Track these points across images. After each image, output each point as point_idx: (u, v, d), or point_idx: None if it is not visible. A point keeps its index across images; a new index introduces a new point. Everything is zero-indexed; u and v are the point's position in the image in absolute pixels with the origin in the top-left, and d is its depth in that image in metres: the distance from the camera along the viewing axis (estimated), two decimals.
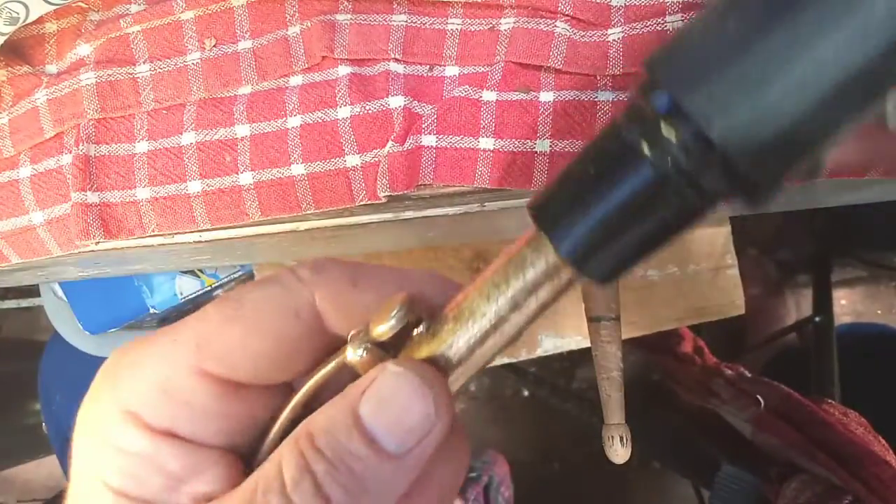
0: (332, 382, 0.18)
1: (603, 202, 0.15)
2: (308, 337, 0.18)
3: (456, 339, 0.18)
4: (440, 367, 0.18)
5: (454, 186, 0.33)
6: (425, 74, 0.34)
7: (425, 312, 0.18)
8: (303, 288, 0.18)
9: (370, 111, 0.32)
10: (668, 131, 0.14)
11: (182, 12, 0.35)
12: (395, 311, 0.17)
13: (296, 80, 0.34)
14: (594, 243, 0.15)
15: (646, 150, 0.14)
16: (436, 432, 0.17)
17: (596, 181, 0.15)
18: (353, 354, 0.18)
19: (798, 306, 0.98)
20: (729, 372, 0.60)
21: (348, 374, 0.18)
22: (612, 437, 0.33)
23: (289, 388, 0.19)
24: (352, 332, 0.18)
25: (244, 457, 0.19)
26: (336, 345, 0.19)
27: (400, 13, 0.34)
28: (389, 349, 0.18)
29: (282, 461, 0.16)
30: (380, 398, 0.16)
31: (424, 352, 0.18)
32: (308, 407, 0.18)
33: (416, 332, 0.18)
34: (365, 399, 0.16)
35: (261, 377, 0.18)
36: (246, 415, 0.18)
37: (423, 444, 0.17)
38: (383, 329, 0.17)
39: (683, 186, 0.14)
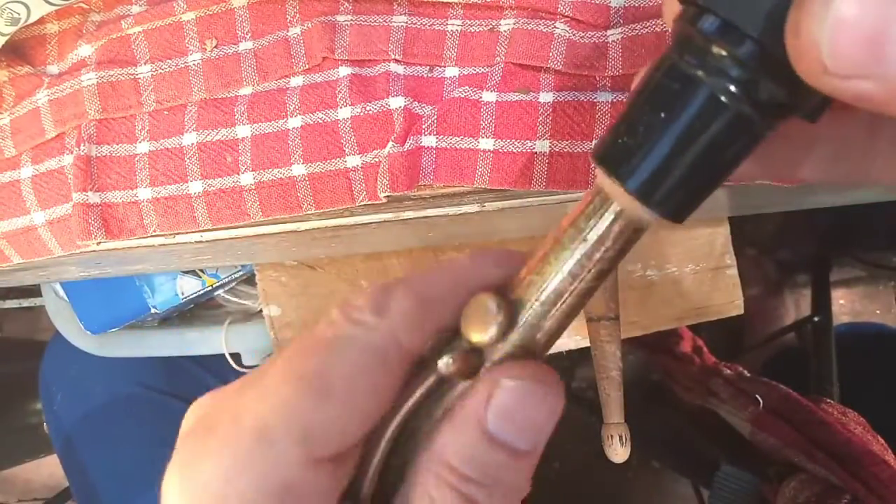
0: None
1: (666, 135, 0.15)
2: (398, 371, 0.18)
3: (540, 320, 0.17)
4: (536, 350, 0.17)
5: (454, 186, 0.33)
6: (425, 75, 0.34)
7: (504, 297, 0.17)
8: (374, 335, 0.17)
9: (370, 112, 0.33)
10: (720, 51, 0.14)
11: (183, 13, 0.35)
12: (493, 315, 0.17)
13: (296, 81, 0.34)
14: (663, 178, 0.15)
15: (702, 75, 0.14)
16: (557, 416, 0.17)
17: (655, 115, 0.15)
18: (446, 367, 0.17)
19: (797, 306, 0.98)
20: (728, 371, 0.60)
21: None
22: (612, 436, 0.33)
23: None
24: (429, 344, 0.18)
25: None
26: (410, 358, 0.18)
27: (400, 14, 0.34)
28: (477, 350, 0.18)
29: (434, 501, 0.16)
30: (505, 412, 0.17)
31: (516, 341, 0.17)
32: (403, 428, 0.18)
33: (505, 319, 0.17)
34: (492, 417, 0.17)
35: (368, 427, 0.18)
36: (352, 467, 0.18)
37: (548, 430, 0.17)
38: (488, 338, 0.17)
39: (744, 103, 0.14)
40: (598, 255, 0.16)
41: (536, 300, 0.17)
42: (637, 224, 0.16)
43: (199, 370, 0.57)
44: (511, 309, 0.17)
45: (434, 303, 0.18)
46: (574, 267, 0.16)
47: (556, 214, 0.37)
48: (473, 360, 0.17)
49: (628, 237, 0.16)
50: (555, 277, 0.17)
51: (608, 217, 0.16)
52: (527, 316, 0.17)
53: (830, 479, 0.47)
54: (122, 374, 0.55)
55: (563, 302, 0.17)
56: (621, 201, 0.16)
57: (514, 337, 0.17)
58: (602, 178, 0.16)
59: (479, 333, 0.17)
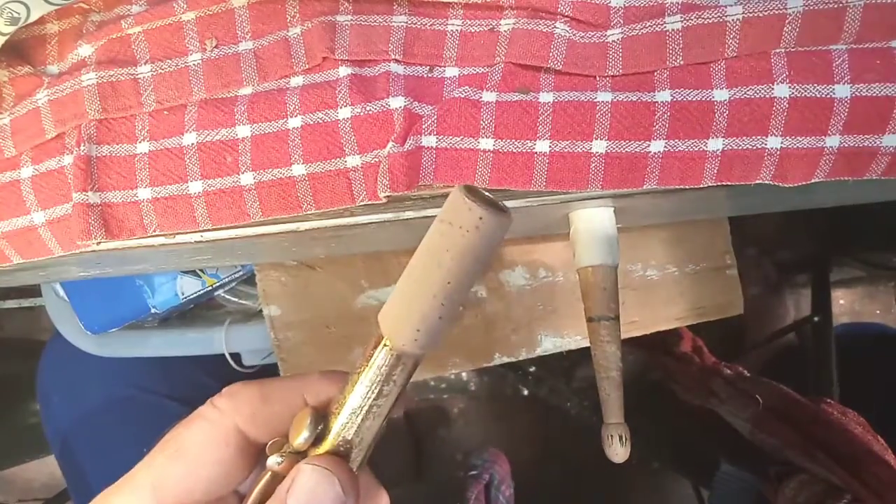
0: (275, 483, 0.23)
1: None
2: (240, 454, 0.24)
3: (344, 430, 0.23)
4: (342, 453, 0.23)
5: (454, 186, 0.33)
6: (425, 75, 0.34)
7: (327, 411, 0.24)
8: (224, 417, 0.24)
9: (371, 112, 0.33)
10: None
11: (183, 13, 0.35)
12: (306, 425, 0.23)
13: (297, 81, 0.34)
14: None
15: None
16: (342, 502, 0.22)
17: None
18: (275, 464, 0.23)
19: (797, 306, 0.98)
20: (728, 371, 0.60)
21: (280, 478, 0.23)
22: (612, 436, 0.33)
23: (238, 495, 0.25)
24: (269, 443, 0.24)
25: None
26: (255, 446, 0.25)
27: (400, 14, 0.34)
28: (301, 453, 0.23)
29: None
30: (301, 494, 0.22)
31: (327, 445, 0.23)
32: None
33: (318, 428, 0.23)
34: (290, 498, 0.22)
35: (212, 495, 0.24)
36: None
37: None
38: (300, 441, 0.23)
39: None
40: (378, 381, 0.23)
41: (341, 415, 0.23)
42: (400, 355, 0.22)
43: (196, 371, 0.57)
44: (322, 421, 0.23)
45: (273, 402, 0.24)
46: (363, 390, 0.23)
47: (556, 215, 0.37)
48: (297, 461, 0.23)
49: (399, 367, 0.23)
50: (352, 399, 0.23)
51: (383, 353, 0.22)
52: (335, 427, 0.23)
53: (830, 479, 0.47)
54: (119, 376, 0.55)
55: (360, 417, 0.23)
56: (389, 340, 0.22)
57: (326, 443, 0.23)
58: (382, 326, 0.22)
59: (297, 439, 0.23)
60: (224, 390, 0.25)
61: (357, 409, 0.23)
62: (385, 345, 0.22)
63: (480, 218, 0.20)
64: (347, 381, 0.23)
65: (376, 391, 0.23)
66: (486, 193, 0.21)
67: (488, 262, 0.22)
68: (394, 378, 0.23)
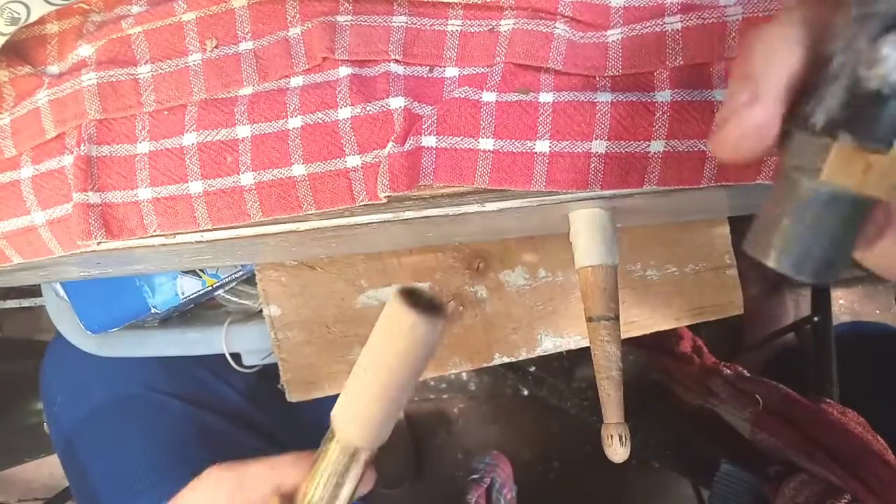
0: None
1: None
2: None
3: None
4: None
5: (454, 186, 0.33)
6: (425, 75, 0.34)
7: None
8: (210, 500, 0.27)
9: (371, 112, 0.33)
10: None
11: (183, 13, 0.35)
12: None
13: (297, 81, 0.34)
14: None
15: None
16: None
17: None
18: None
19: (797, 306, 0.98)
20: (728, 371, 0.60)
21: None
22: (612, 436, 0.33)
23: None
24: None
25: None
26: None
27: (400, 14, 0.34)
28: None
29: None
30: None
31: None
32: None
33: None
34: None
35: None
36: None
37: None
38: None
39: None
40: (335, 473, 0.26)
41: (303, 501, 0.26)
42: (351, 451, 0.25)
43: (200, 370, 0.57)
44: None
45: (247, 489, 0.27)
46: (323, 481, 0.26)
47: (556, 215, 0.37)
48: None
49: (353, 461, 0.26)
50: (313, 491, 0.26)
51: (337, 450, 0.26)
52: None
53: (830, 479, 0.47)
54: (123, 375, 0.55)
55: (321, 501, 0.26)
56: (339, 437, 0.25)
57: None
58: (333, 424, 0.26)
59: None
60: (203, 474, 0.28)
61: (319, 500, 0.26)
62: (338, 441, 0.26)
63: (414, 324, 0.22)
64: (311, 471, 0.26)
65: (334, 482, 0.26)
66: (426, 292, 0.23)
67: (428, 360, 0.24)
68: (350, 470, 0.26)
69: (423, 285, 0.24)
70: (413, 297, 0.22)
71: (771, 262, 0.15)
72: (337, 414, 0.25)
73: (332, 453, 0.26)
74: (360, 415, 0.24)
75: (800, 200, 0.14)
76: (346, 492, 0.26)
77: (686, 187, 0.32)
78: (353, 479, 0.26)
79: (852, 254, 0.15)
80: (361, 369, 0.24)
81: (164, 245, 0.36)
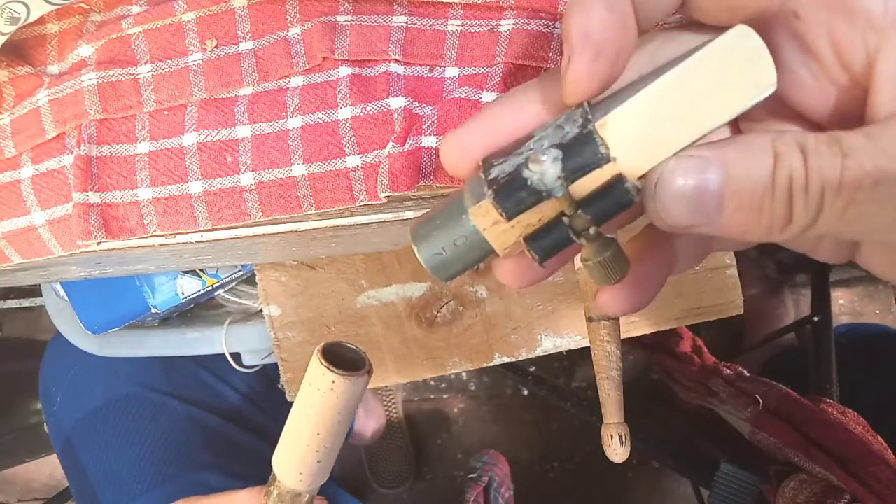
0: None
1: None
2: None
3: None
4: None
5: (454, 187, 0.33)
6: (425, 75, 0.34)
7: None
8: None
9: (371, 112, 0.33)
10: None
11: (183, 13, 0.35)
12: None
13: (297, 81, 0.34)
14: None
15: None
16: None
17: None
18: None
19: (797, 306, 0.98)
20: (728, 371, 0.60)
21: None
22: (612, 436, 0.33)
23: None
24: None
25: None
26: None
27: (400, 14, 0.34)
28: None
29: None
30: None
31: None
32: None
33: None
34: None
35: None
36: None
37: None
38: None
39: None
40: None
41: None
42: (294, 494, 0.28)
43: (199, 370, 0.57)
44: None
45: None
46: None
47: None
48: None
49: (290, 499, 0.28)
50: None
51: (278, 492, 0.28)
52: None
53: (830, 478, 0.47)
54: (122, 375, 0.55)
55: None
56: (279, 484, 0.28)
57: None
58: (274, 470, 0.28)
59: None
60: None
61: None
62: (278, 487, 0.28)
63: (333, 381, 0.24)
64: None
65: None
66: (350, 348, 0.25)
67: (354, 409, 0.27)
68: None
69: (349, 343, 0.25)
70: (336, 353, 0.25)
71: (414, 248, 0.19)
72: (275, 462, 0.28)
73: (276, 497, 0.28)
74: (295, 464, 0.27)
75: (455, 215, 0.18)
76: None
77: None
78: None
79: (468, 271, 0.19)
80: (293, 422, 0.26)
81: (164, 245, 0.36)
